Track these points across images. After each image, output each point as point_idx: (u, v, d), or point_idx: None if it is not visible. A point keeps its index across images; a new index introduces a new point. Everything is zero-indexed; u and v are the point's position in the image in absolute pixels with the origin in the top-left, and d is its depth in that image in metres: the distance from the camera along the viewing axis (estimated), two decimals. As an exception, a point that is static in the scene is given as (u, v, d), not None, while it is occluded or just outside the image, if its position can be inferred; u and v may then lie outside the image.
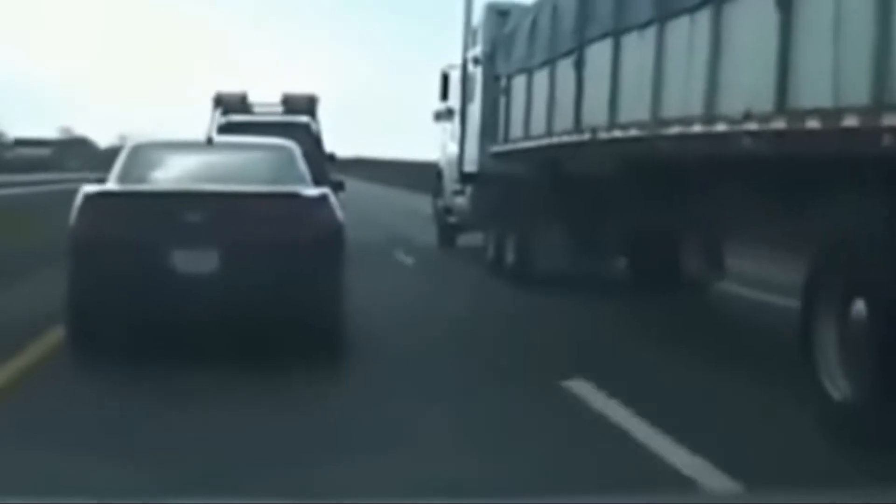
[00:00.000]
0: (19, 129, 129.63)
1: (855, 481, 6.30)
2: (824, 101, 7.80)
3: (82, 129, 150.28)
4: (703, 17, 10.04)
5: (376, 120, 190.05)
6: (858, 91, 7.42)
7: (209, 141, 12.40)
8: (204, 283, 9.78)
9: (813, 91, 8.05)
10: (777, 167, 8.95)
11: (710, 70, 9.83)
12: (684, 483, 6.57)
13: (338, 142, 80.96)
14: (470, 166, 19.88)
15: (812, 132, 7.87)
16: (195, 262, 9.81)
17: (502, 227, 17.36)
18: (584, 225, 15.07)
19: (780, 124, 8.39)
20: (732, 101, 9.38)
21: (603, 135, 12.58)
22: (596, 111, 12.93)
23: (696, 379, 9.68)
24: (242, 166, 11.46)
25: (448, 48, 21.50)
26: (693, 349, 10.95)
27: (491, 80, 18.90)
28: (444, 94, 22.30)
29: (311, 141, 19.05)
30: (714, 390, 9.15)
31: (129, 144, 11.79)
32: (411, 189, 43.75)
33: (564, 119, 14.24)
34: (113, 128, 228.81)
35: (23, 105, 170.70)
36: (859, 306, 7.48)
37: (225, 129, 20.22)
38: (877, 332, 7.28)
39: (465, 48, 20.42)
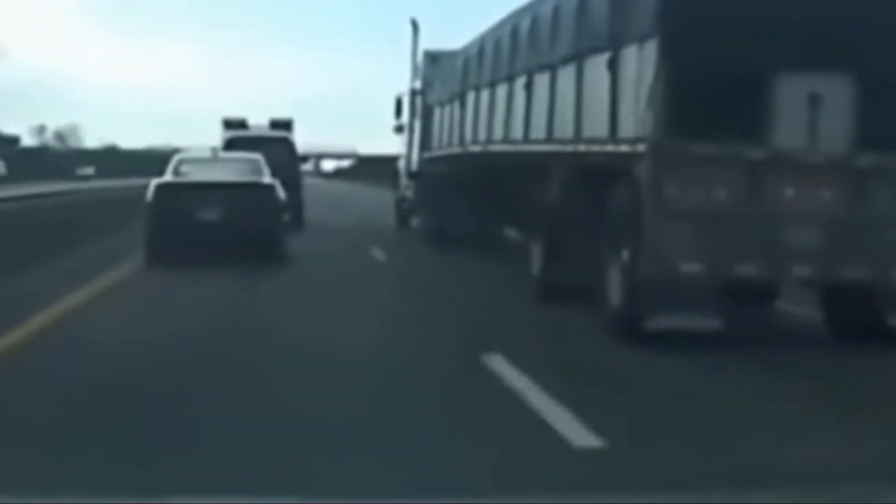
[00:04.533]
0: None
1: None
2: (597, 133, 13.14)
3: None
4: (542, 79, 15.26)
5: (358, 125, 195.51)
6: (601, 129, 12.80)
7: (216, 155, 21.97)
8: (213, 225, 18.41)
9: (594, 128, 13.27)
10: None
11: (548, 113, 14.94)
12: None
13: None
14: (414, 167, 26.56)
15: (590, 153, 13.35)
16: (209, 215, 18.50)
17: (429, 207, 24.09)
18: (479, 205, 21.21)
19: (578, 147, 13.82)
20: (545, 132, 15.37)
21: (479, 149, 19.09)
22: (477, 134, 19.42)
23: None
24: (233, 168, 20.27)
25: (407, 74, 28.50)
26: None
27: (425, 107, 25.54)
28: (398, 114, 28.91)
29: (288, 148, 27.26)
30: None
31: (176, 157, 20.81)
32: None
33: (460, 137, 20.85)
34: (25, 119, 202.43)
35: None
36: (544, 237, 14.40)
37: (230, 141, 27.57)
38: (548, 245, 14.33)
39: (412, 81, 27.16)
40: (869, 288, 11.70)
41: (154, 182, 19.31)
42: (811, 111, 11.45)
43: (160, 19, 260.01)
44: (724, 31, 11.33)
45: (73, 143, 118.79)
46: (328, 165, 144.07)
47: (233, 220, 18.28)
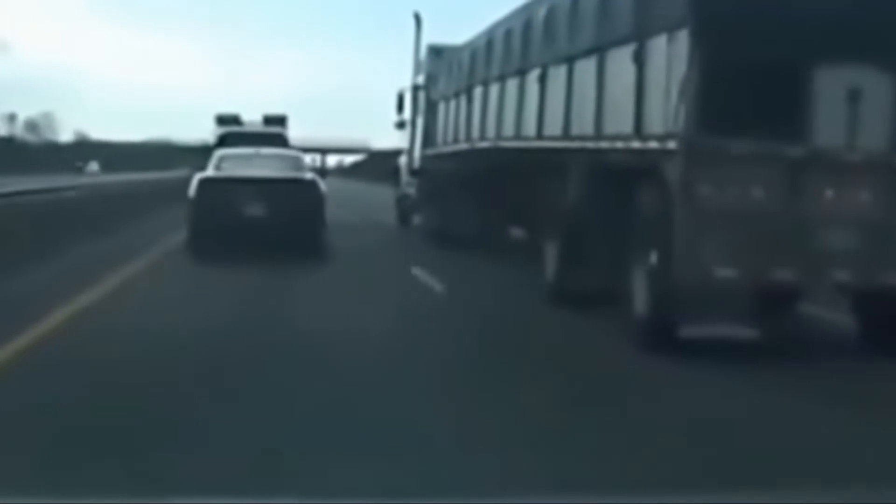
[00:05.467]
0: None
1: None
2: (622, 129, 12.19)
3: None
4: (558, 72, 14.40)
5: (370, 120, 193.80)
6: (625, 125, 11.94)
7: (257, 151, 21.43)
8: (258, 220, 18.49)
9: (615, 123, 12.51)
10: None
11: (565, 107, 14.12)
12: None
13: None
14: (416, 164, 25.80)
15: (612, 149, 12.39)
16: (253, 209, 18.58)
17: (431, 205, 23.34)
18: (485, 204, 20.42)
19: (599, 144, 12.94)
20: (561, 127, 14.54)
21: (488, 145, 18.35)
22: (485, 129, 18.68)
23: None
24: (274, 164, 20.28)
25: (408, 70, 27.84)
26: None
27: (428, 103, 24.78)
28: (400, 109, 28.14)
29: (282, 145, 26.53)
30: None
31: (217, 153, 21.06)
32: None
33: (467, 133, 20.09)
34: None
35: None
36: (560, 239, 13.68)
37: (224, 137, 26.95)
38: (565, 247, 13.57)
39: (414, 75, 26.40)
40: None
41: (197, 177, 19.51)
42: (851, 107, 10.76)
43: (155, 15, 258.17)
44: (760, 20, 10.64)
45: (49, 135, 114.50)
46: (330, 162, 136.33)
47: (277, 215, 18.47)
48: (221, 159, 20.44)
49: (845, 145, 10.76)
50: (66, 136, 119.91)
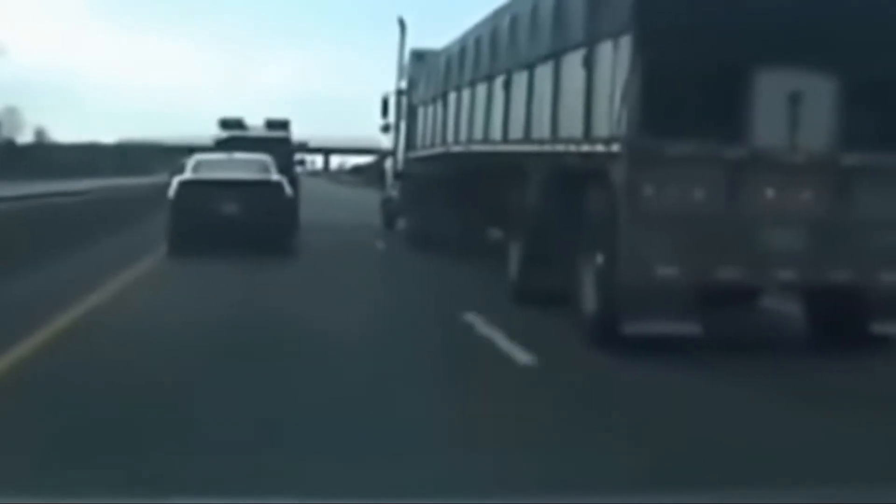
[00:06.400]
0: None
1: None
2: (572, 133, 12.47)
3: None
4: (521, 78, 14.65)
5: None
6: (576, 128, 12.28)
7: (230, 156, 22.99)
8: (231, 218, 20.20)
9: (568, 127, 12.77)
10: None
11: (525, 112, 14.38)
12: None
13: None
14: (399, 167, 26.11)
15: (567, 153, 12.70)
16: (227, 208, 20.30)
17: (413, 208, 23.67)
18: (462, 206, 20.38)
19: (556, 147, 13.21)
20: (523, 131, 14.80)
21: (461, 149, 18.62)
22: (458, 134, 18.95)
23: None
24: (246, 167, 21.82)
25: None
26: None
27: (410, 107, 25.07)
28: (384, 113, 28.41)
29: (285, 148, 26.79)
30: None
31: (194, 157, 22.61)
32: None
33: (442, 137, 20.38)
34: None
35: None
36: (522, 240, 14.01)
37: (227, 141, 27.17)
38: (526, 247, 13.97)
39: (398, 79, 26.71)
40: (852, 293, 11.26)
41: (176, 179, 21.34)
42: (792, 109, 11.00)
43: (151, 14, 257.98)
44: (701, 25, 10.88)
45: (9, 133, 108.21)
46: (333, 163, 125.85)
47: (248, 213, 20.18)
48: (198, 164, 22.13)
49: (787, 146, 10.99)
50: (28, 135, 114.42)
